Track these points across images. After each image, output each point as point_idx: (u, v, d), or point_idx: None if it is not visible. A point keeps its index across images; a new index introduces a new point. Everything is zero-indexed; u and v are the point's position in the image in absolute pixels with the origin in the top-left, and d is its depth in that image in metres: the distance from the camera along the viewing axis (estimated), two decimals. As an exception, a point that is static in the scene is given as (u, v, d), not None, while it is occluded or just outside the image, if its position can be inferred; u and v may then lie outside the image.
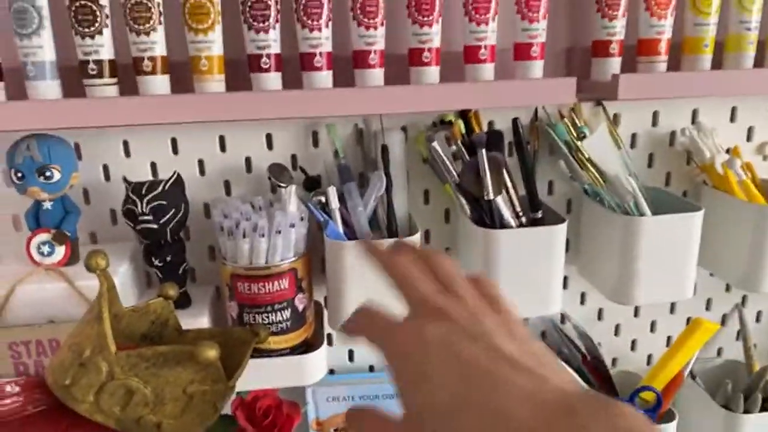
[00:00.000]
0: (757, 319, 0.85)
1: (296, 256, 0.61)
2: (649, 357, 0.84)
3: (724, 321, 0.84)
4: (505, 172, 0.62)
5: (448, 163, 0.62)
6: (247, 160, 0.68)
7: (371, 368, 0.79)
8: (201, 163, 0.68)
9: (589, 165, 0.63)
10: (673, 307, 0.82)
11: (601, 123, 0.62)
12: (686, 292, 0.67)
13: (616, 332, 0.82)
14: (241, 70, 0.61)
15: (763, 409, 0.74)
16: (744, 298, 0.83)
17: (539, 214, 0.64)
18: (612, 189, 0.63)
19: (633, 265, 0.64)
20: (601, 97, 0.69)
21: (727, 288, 0.82)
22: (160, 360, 0.42)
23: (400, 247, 0.32)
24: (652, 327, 0.83)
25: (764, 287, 0.68)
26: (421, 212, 0.72)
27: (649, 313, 0.82)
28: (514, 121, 0.64)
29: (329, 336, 0.77)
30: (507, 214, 0.63)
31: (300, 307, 0.63)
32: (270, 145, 0.68)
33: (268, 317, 0.61)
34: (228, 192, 0.69)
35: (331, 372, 0.78)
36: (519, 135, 0.64)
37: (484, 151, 0.60)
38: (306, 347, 0.65)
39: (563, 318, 0.80)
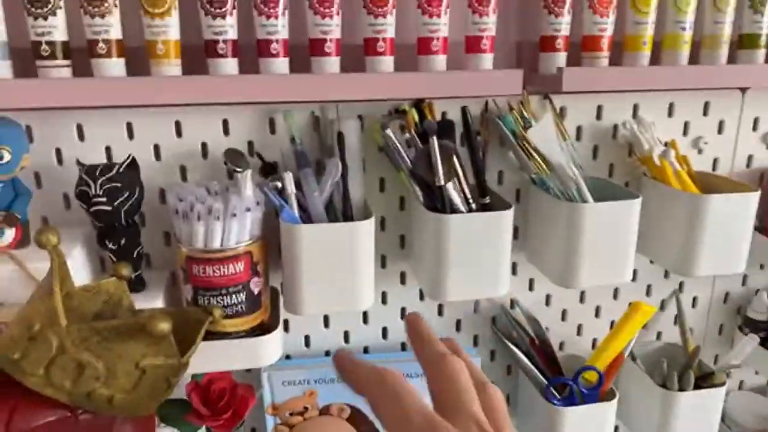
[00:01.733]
0: (694, 305, 0.90)
1: (252, 240, 0.62)
2: (594, 341, 0.88)
3: (663, 306, 0.89)
4: (456, 160, 0.65)
5: (401, 150, 0.65)
6: (204, 145, 0.69)
7: (327, 353, 0.80)
8: (157, 148, 0.68)
9: (534, 154, 0.66)
10: (616, 293, 0.87)
11: (546, 114, 0.65)
12: (626, 275, 0.71)
13: (563, 317, 0.86)
14: (197, 56, 0.62)
15: (696, 387, 0.79)
16: (681, 285, 0.88)
17: (487, 200, 0.67)
18: (556, 177, 0.67)
19: (576, 249, 0.67)
20: (548, 90, 0.72)
21: (666, 275, 0.87)
22: (113, 333, 0.42)
23: (457, 349, 0.32)
24: (597, 312, 0.87)
25: (697, 271, 0.72)
26: (376, 199, 0.74)
27: (594, 299, 0.86)
28: (463, 109, 0.67)
29: (286, 321, 0.78)
30: (457, 200, 0.65)
31: (255, 291, 0.64)
32: (227, 131, 0.69)
33: (222, 300, 0.61)
34: (184, 178, 0.69)
35: (288, 358, 0.79)
36: (468, 123, 0.66)
37: (435, 138, 0.62)
38: (262, 331, 0.66)
39: (513, 303, 0.83)
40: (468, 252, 0.65)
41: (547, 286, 0.82)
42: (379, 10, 0.63)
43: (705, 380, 0.80)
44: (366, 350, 0.81)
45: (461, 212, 0.65)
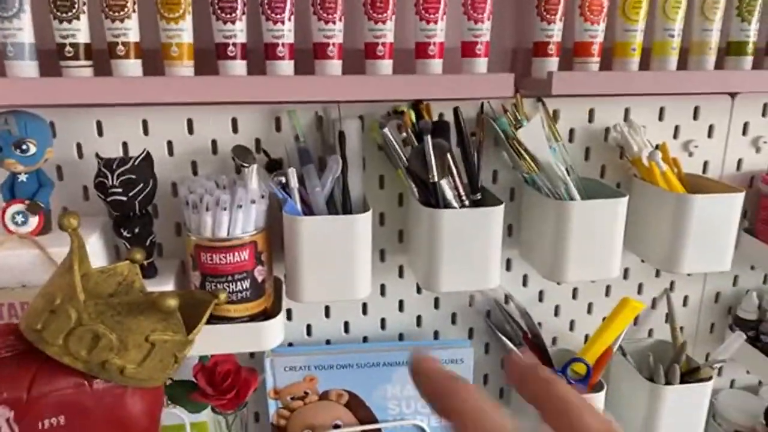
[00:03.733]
0: (685, 303, 0.92)
1: (256, 230, 0.66)
2: (586, 336, 0.91)
3: (654, 304, 0.91)
4: (449, 158, 0.68)
5: (398, 148, 0.68)
6: (213, 142, 0.73)
7: (328, 342, 0.84)
8: (170, 144, 0.72)
9: (525, 154, 0.69)
10: (608, 291, 0.89)
11: (536, 116, 0.69)
12: (612, 271, 0.74)
13: (556, 313, 0.89)
14: (208, 59, 0.66)
15: (683, 381, 0.81)
16: (672, 284, 0.91)
17: (479, 196, 0.71)
18: (545, 176, 0.70)
19: (564, 245, 0.71)
20: (540, 94, 0.76)
21: (657, 274, 0.90)
22: (125, 308, 0.47)
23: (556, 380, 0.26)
24: (589, 308, 0.90)
25: (682, 268, 0.75)
26: (376, 195, 0.78)
27: (586, 296, 0.89)
28: (455, 110, 0.71)
29: (289, 310, 0.82)
30: (450, 196, 0.69)
31: (259, 278, 0.68)
32: (235, 129, 0.73)
33: (228, 286, 0.66)
34: (195, 172, 0.74)
35: (290, 345, 0.83)
36: (459, 123, 0.70)
37: (429, 137, 0.66)
38: (265, 317, 0.70)
39: (507, 298, 0.86)
40: (460, 245, 0.69)
41: (541, 282, 0.86)
42: (379, 16, 0.67)
43: (692, 375, 0.82)
44: (365, 339, 0.85)
45: (454, 208, 0.69)
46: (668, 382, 0.81)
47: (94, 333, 0.46)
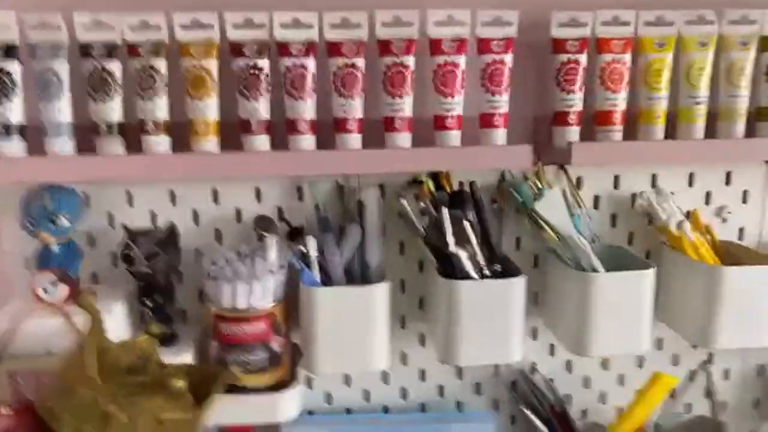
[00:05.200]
0: (726, 377, 0.87)
1: (274, 301, 0.67)
2: (619, 409, 0.86)
3: (692, 377, 0.87)
4: (468, 227, 0.68)
5: (414, 219, 0.69)
6: (238, 211, 0.75)
7: (348, 411, 0.83)
8: (195, 213, 0.75)
9: (545, 225, 0.68)
10: (640, 362, 0.85)
11: (555, 187, 0.68)
12: (642, 346, 0.71)
13: (586, 384, 0.86)
14: (233, 131, 0.68)
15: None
16: (710, 356, 0.86)
17: (499, 267, 0.70)
18: (567, 247, 0.69)
19: (587, 318, 0.68)
20: (560, 162, 0.75)
21: (695, 345, 0.86)
22: (137, 389, 0.48)
23: None
24: (621, 380, 0.86)
25: (715, 344, 0.71)
26: (397, 262, 0.78)
27: (618, 367, 0.85)
28: (471, 184, 0.71)
29: (309, 378, 0.81)
30: (469, 267, 0.68)
31: (276, 349, 0.68)
32: (259, 198, 0.75)
33: (245, 356, 0.66)
34: (219, 239, 0.76)
35: (310, 413, 0.82)
36: (475, 195, 0.70)
37: (446, 209, 0.66)
38: (281, 387, 0.70)
39: (533, 369, 0.84)
40: (479, 317, 0.67)
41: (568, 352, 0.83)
42: (397, 91, 0.69)
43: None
44: (386, 410, 0.83)
45: (473, 278, 0.68)
46: (707, 465, 0.76)
47: (106, 413, 0.47)
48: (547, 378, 0.80)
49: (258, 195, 0.75)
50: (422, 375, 0.83)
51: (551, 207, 0.67)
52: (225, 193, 0.75)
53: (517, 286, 0.67)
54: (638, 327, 0.70)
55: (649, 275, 0.69)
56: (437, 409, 0.83)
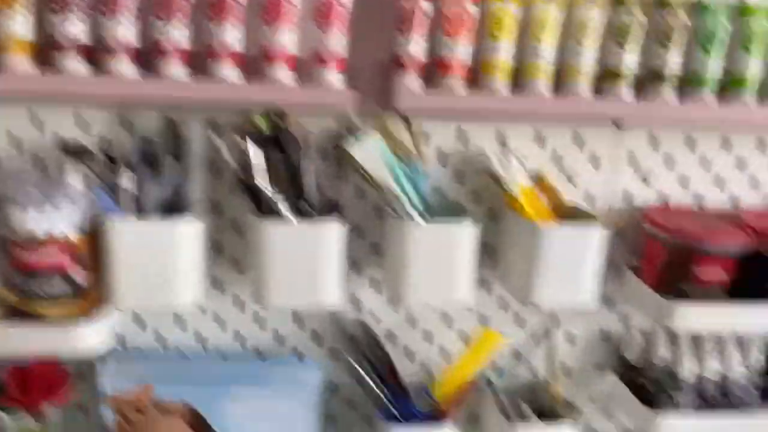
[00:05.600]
0: (572, 342, 0.87)
1: (76, 231, 0.64)
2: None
3: (537, 342, 0.86)
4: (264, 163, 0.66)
5: (224, 151, 0.66)
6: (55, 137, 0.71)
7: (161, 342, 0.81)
8: (13, 137, 0.71)
9: (358, 169, 0.66)
10: (484, 320, 0.85)
11: (373, 134, 0.66)
12: (459, 294, 0.70)
13: (427, 339, 0.85)
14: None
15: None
16: (556, 319, 0.86)
17: (305, 205, 0.68)
18: (381, 194, 0.67)
19: (404, 266, 0.68)
20: (391, 109, 0.71)
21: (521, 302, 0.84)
22: None
23: None
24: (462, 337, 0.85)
25: (533, 300, 0.71)
26: (227, 199, 0.75)
27: (459, 324, 0.85)
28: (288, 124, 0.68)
29: (140, 318, 0.79)
30: (275, 202, 0.66)
31: (78, 280, 0.65)
32: (84, 129, 0.71)
33: (40, 285, 0.63)
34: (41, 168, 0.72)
35: (123, 346, 0.79)
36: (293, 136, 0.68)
37: (253, 144, 0.64)
38: (85, 320, 0.67)
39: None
40: (292, 260, 0.66)
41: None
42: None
43: (554, 414, 0.78)
44: (225, 358, 0.82)
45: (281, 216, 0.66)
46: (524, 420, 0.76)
47: None
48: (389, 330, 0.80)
49: (83, 126, 0.71)
50: (260, 322, 0.81)
51: (367, 153, 0.65)
52: (47, 120, 0.71)
53: (331, 230, 0.66)
54: (456, 277, 0.69)
55: (463, 228, 0.68)
56: (274, 356, 0.82)
